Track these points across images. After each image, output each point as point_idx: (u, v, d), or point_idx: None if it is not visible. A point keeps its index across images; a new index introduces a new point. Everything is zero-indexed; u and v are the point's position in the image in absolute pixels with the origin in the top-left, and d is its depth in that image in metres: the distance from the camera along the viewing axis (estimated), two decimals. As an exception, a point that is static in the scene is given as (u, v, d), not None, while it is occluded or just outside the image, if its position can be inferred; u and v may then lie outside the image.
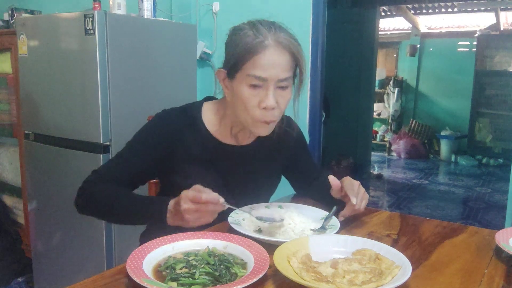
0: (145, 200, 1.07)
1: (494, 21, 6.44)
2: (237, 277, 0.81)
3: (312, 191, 1.34)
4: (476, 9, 6.37)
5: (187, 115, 1.16)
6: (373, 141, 6.49)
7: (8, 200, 2.87)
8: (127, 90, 2.04)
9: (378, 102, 7.04)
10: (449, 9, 6.45)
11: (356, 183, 1.14)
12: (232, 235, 0.96)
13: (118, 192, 1.09)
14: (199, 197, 0.91)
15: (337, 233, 1.03)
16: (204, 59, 2.67)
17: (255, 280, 0.77)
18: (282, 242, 0.90)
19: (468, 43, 6.68)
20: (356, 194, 1.10)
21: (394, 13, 6.77)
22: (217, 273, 0.81)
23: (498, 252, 0.97)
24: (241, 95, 1.06)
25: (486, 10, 6.39)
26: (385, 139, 6.89)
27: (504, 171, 5.77)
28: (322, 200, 1.27)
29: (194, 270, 0.81)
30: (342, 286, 0.76)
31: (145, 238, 1.23)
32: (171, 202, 0.98)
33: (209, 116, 1.18)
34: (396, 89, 6.94)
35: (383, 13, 6.67)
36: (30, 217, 2.39)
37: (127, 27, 2.05)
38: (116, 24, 1.96)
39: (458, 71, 6.67)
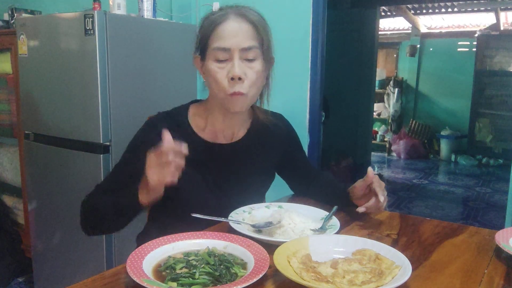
0: (122, 191, 1.08)
1: (494, 21, 6.44)
2: (237, 277, 0.81)
3: (313, 191, 1.33)
4: (476, 9, 6.37)
5: (173, 119, 1.16)
6: (373, 141, 6.48)
7: (8, 200, 2.87)
8: (127, 90, 2.05)
9: (378, 102, 7.03)
10: (449, 9, 6.45)
11: (383, 184, 1.16)
12: (232, 235, 0.96)
13: (104, 198, 1.11)
14: (161, 149, 0.90)
15: (337, 233, 1.03)
16: (204, 59, 2.66)
17: (255, 280, 0.77)
18: (282, 242, 0.90)
19: (468, 43, 6.68)
20: (383, 193, 1.12)
21: (394, 13, 6.77)
22: (217, 273, 0.81)
23: (498, 252, 0.97)
24: (210, 71, 1.08)
25: (486, 10, 6.39)
26: (385, 139, 6.89)
27: (504, 171, 5.77)
28: (324, 200, 1.27)
29: (194, 270, 0.81)
30: (342, 286, 0.76)
31: (141, 239, 1.23)
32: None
33: (195, 118, 1.18)
34: (396, 89, 6.94)
35: (383, 13, 6.66)
36: (30, 217, 2.39)
37: (127, 27, 2.05)
38: (116, 24, 1.96)
39: (458, 71, 6.67)
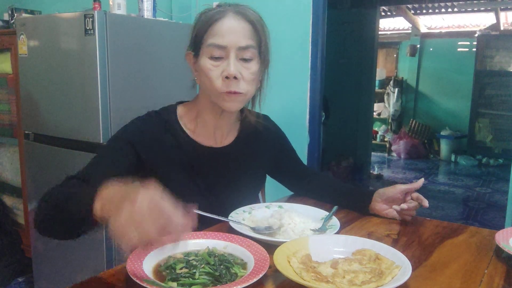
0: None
1: (494, 21, 6.44)
2: (237, 277, 0.80)
3: (313, 191, 1.33)
4: (476, 9, 6.37)
5: (163, 120, 1.12)
6: (373, 141, 6.48)
7: (8, 200, 2.87)
8: (127, 90, 2.04)
9: (378, 102, 7.03)
10: (449, 9, 6.45)
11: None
12: (232, 235, 0.96)
13: (63, 188, 0.98)
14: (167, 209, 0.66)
15: (337, 233, 1.02)
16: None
17: (255, 280, 0.77)
18: (282, 242, 0.90)
19: (468, 43, 6.68)
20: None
21: (394, 13, 6.77)
22: (217, 273, 0.80)
23: (498, 252, 0.97)
24: (204, 68, 1.04)
25: (486, 10, 6.39)
26: (385, 139, 6.89)
27: (504, 171, 5.77)
28: (326, 200, 1.28)
29: (194, 270, 0.81)
30: (342, 286, 0.76)
31: None
32: (117, 188, 0.72)
33: (184, 119, 1.14)
34: (396, 89, 6.94)
35: (383, 13, 6.66)
36: (30, 217, 2.39)
37: (127, 27, 2.05)
38: (116, 24, 1.96)
39: (458, 71, 6.67)
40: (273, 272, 0.83)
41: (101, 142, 1.96)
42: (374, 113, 6.43)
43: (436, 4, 6.16)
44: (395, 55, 7.44)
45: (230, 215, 1.09)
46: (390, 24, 7.50)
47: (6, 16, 2.81)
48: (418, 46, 6.98)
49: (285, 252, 0.86)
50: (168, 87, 2.26)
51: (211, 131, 1.14)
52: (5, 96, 2.73)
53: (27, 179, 2.41)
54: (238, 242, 0.93)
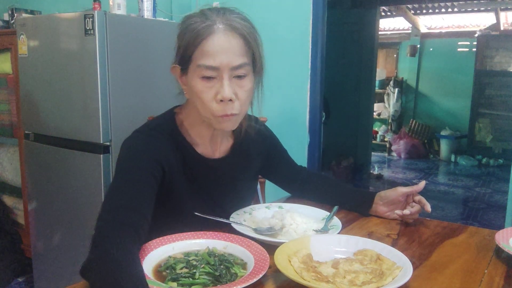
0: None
1: (494, 21, 6.44)
2: (237, 277, 0.81)
3: (311, 191, 1.32)
4: (476, 9, 6.37)
5: (166, 132, 1.04)
6: (373, 141, 6.48)
7: (8, 200, 2.87)
8: (127, 90, 2.04)
9: (378, 102, 7.03)
10: (449, 9, 6.45)
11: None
12: (232, 235, 0.96)
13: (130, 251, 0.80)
14: None
15: (338, 233, 1.02)
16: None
17: (255, 280, 0.77)
18: (283, 243, 0.90)
19: (468, 43, 6.68)
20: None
21: (394, 13, 6.77)
22: (217, 273, 0.81)
23: (498, 252, 0.97)
24: (195, 89, 0.97)
25: (486, 10, 6.39)
26: (385, 139, 6.89)
27: (504, 171, 5.77)
28: (325, 200, 1.27)
29: (194, 270, 0.81)
30: (342, 286, 0.76)
31: None
32: None
33: (182, 128, 1.08)
34: (396, 89, 6.94)
35: (383, 13, 6.66)
36: (30, 217, 2.39)
37: (127, 27, 2.05)
38: (116, 24, 1.96)
39: (458, 71, 6.67)
40: (273, 272, 0.83)
41: (101, 142, 1.96)
42: (374, 113, 6.43)
43: (436, 4, 6.16)
44: (395, 55, 7.44)
45: (231, 216, 1.09)
46: (390, 24, 7.50)
47: (6, 16, 2.81)
48: (418, 46, 6.98)
49: (286, 251, 0.86)
50: (168, 87, 2.25)
51: (206, 141, 1.10)
52: (5, 96, 2.73)
53: (27, 179, 2.41)
54: (238, 242, 0.93)
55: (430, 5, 6.19)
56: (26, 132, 2.29)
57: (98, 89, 1.92)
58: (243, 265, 0.85)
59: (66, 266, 2.21)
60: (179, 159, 1.04)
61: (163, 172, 0.99)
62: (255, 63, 1.01)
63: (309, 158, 2.44)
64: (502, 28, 6.41)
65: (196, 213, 1.04)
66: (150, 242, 0.90)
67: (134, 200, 0.89)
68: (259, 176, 1.31)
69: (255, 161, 1.22)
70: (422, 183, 1.17)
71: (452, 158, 6.39)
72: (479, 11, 6.47)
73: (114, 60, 1.96)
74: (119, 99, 2.00)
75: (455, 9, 6.41)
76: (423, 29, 7.08)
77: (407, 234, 1.10)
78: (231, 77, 0.96)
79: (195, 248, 0.91)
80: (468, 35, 6.71)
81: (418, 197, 1.17)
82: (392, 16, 6.94)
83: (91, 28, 1.88)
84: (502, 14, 6.33)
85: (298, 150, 2.42)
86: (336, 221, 1.09)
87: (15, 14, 2.69)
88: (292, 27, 2.39)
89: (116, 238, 0.79)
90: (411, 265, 0.82)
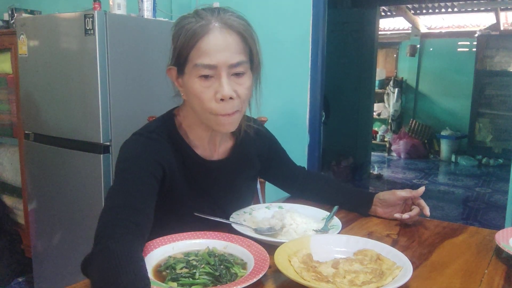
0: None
1: (494, 21, 6.44)
2: (237, 277, 0.81)
3: (310, 191, 1.32)
4: (476, 9, 6.37)
5: (166, 134, 1.04)
6: (373, 141, 6.48)
7: (8, 200, 2.87)
8: (127, 90, 2.04)
9: (378, 102, 7.03)
10: (449, 9, 6.45)
11: None
12: (232, 235, 0.96)
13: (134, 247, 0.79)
14: None
15: (338, 233, 1.02)
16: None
17: (255, 280, 0.77)
18: (283, 243, 0.90)
19: (468, 43, 6.68)
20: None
21: (394, 13, 6.77)
22: (217, 273, 0.81)
23: (498, 252, 0.97)
24: (193, 90, 0.95)
25: (486, 10, 6.39)
26: (385, 139, 6.89)
27: (504, 171, 5.77)
28: (325, 201, 1.27)
29: (194, 270, 0.81)
30: (342, 286, 0.76)
31: None
32: None
33: (181, 130, 1.07)
34: (396, 89, 6.94)
35: (383, 13, 6.66)
36: (30, 217, 2.39)
37: (127, 27, 2.05)
38: (116, 24, 1.96)
39: (458, 71, 6.67)
40: (273, 272, 0.83)
41: (101, 142, 1.96)
42: (374, 113, 6.43)
43: (436, 4, 6.16)
44: (395, 55, 7.44)
45: (231, 216, 1.09)
46: (390, 24, 7.50)
47: (6, 16, 2.81)
48: (418, 46, 6.98)
49: (286, 251, 0.86)
50: (168, 87, 2.25)
51: (205, 143, 1.09)
52: (5, 96, 2.73)
53: (27, 179, 2.41)
54: (238, 242, 0.93)
55: (430, 5, 6.19)
56: (26, 132, 2.29)
57: (98, 89, 1.92)
58: (243, 265, 0.85)
59: (66, 266, 2.21)
60: (179, 160, 1.04)
61: (163, 173, 0.99)
62: (253, 60, 1.00)
63: (309, 158, 2.44)
64: (502, 28, 6.41)
65: (196, 214, 1.04)
66: (150, 242, 0.90)
67: (136, 199, 0.88)
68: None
69: (254, 161, 1.22)
70: (422, 189, 1.17)
71: (452, 158, 6.39)
72: (479, 11, 6.47)
73: (114, 60, 1.96)
74: (119, 99, 2.00)
75: (455, 9, 6.41)
76: (423, 29, 7.08)
77: (407, 234, 1.10)
78: (229, 75, 0.95)
79: (195, 248, 0.91)
80: (468, 35, 6.71)
81: (418, 200, 1.17)
82: (392, 16, 6.94)
83: (91, 28, 1.88)
84: (502, 14, 6.33)
85: (298, 150, 2.42)
86: (336, 221, 1.09)
87: (15, 14, 2.69)
88: (292, 27, 2.39)
89: (117, 235, 0.78)
90: (411, 265, 0.82)
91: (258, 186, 1.53)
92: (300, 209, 1.17)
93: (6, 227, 2.76)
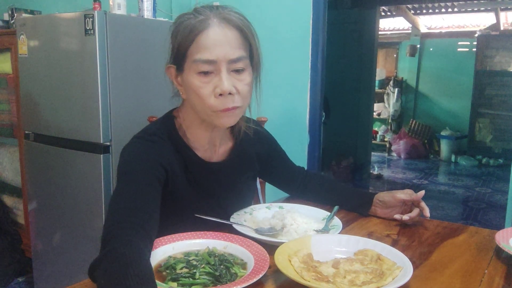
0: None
1: (494, 21, 6.44)
2: (237, 277, 0.81)
3: (310, 192, 1.32)
4: (476, 9, 6.37)
5: (166, 136, 1.03)
6: (373, 141, 6.48)
7: (8, 200, 2.87)
8: (127, 90, 2.04)
9: (378, 102, 7.03)
10: (449, 9, 6.45)
11: None
12: (232, 235, 0.96)
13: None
14: None
15: (339, 233, 1.02)
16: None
17: (255, 280, 0.77)
18: (284, 243, 0.90)
19: (468, 43, 6.68)
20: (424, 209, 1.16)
21: (394, 13, 6.77)
22: (217, 273, 0.81)
23: (498, 252, 0.97)
24: (192, 86, 0.94)
25: (486, 10, 6.39)
26: (385, 139, 6.89)
27: (504, 171, 5.77)
28: (325, 201, 1.27)
29: (194, 270, 0.81)
30: (342, 286, 0.76)
31: None
32: None
33: (180, 131, 1.06)
34: (396, 89, 6.94)
35: (383, 13, 6.66)
36: (30, 217, 2.39)
37: (127, 27, 2.05)
38: (116, 24, 1.96)
39: (458, 71, 6.67)
40: (273, 272, 0.83)
41: (101, 142, 1.96)
42: (374, 113, 6.43)
43: (436, 4, 6.16)
44: (395, 55, 7.44)
45: (232, 216, 1.09)
46: (390, 24, 7.50)
47: (6, 16, 2.81)
48: (418, 46, 6.99)
49: (287, 251, 0.86)
50: (168, 87, 2.25)
51: (205, 144, 1.08)
52: (5, 96, 2.73)
53: (27, 179, 2.41)
54: (238, 242, 0.93)
55: (430, 5, 6.19)
56: (26, 132, 2.29)
57: (98, 89, 1.92)
58: (243, 265, 0.85)
59: (66, 266, 2.21)
60: (181, 162, 1.04)
61: (166, 175, 0.99)
62: (253, 56, 0.99)
63: (309, 158, 2.44)
64: (502, 28, 6.41)
65: (196, 215, 1.03)
66: (150, 242, 0.90)
67: (142, 202, 0.87)
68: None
69: (254, 162, 1.22)
70: (421, 193, 1.17)
71: (452, 158, 6.39)
72: (479, 11, 6.47)
73: (114, 60, 1.96)
74: (119, 99, 2.00)
75: (455, 9, 6.41)
76: (423, 29, 7.09)
77: (407, 234, 1.10)
78: (229, 70, 0.94)
79: (195, 248, 0.91)
80: (468, 35, 6.71)
81: (421, 204, 1.17)
82: (392, 16, 6.94)
83: (91, 28, 1.88)
84: (502, 14, 6.33)
85: (298, 150, 2.42)
86: (337, 221, 1.09)
87: (15, 14, 2.69)
88: (292, 27, 2.39)
89: (125, 237, 0.78)
90: (411, 265, 0.82)
91: (258, 186, 1.53)
92: (301, 209, 1.17)
93: (6, 227, 2.76)
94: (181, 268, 0.82)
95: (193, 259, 0.86)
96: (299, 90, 2.41)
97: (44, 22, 2.13)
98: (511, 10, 6.29)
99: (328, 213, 1.13)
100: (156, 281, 0.77)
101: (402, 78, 7.17)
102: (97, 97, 1.92)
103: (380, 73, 6.98)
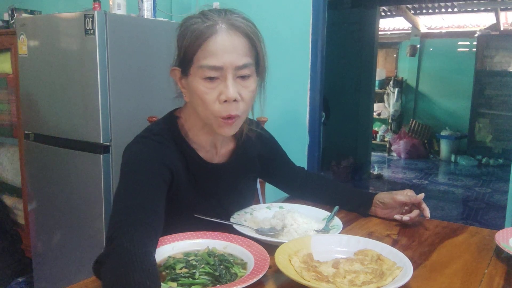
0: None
1: (494, 21, 6.44)
2: (237, 277, 0.80)
3: (310, 192, 1.32)
4: (476, 9, 6.37)
5: (170, 137, 1.03)
6: (373, 141, 6.48)
7: (8, 200, 2.87)
8: (127, 90, 2.04)
9: (378, 102, 7.04)
10: (449, 9, 6.45)
11: None
12: (232, 235, 0.96)
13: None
14: None
15: (339, 233, 1.02)
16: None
17: (255, 280, 0.77)
18: (284, 243, 0.90)
19: (468, 43, 6.68)
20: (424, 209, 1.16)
21: (394, 13, 6.77)
22: (217, 273, 0.80)
23: (498, 252, 0.97)
24: (197, 91, 0.94)
25: (486, 10, 6.39)
26: (385, 139, 6.90)
27: (504, 171, 5.77)
28: (325, 201, 1.27)
29: (194, 270, 0.81)
30: (342, 286, 0.76)
31: None
32: None
33: (182, 131, 1.06)
34: (396, 89, 6.94)
35: (383, 13, 6.66)
36: (30, 217, 2.39)
37: (127, 27, 2.05)
38: (116, 24, 1.96)
39: (458, 71, 6.67)
40: (273, 272, 0.83)
41: (101, 142, 1.96)
42: (374, 113, 6.44)
43: (436, 4, 6.16)
44: (395, 55, 7.44)
45: (232, 216, 1.09)
46: (390, 24, 7.50)
47: (6, 16, 2.81)
48: (418, 46, 6.99)
49: (287, 251, 0.86)
50: (168, 87, 2.25)
51: (207, 145, 1.08)
52: (5, 96, 2.73)
53: (27, 179, 2.41)
54: (238, 242, 0.93)
55: (430, 5, 6.19)
56: (26, 132, 2.29)
57: (98, 89, 1.92)
58: (243, 265, 0.85)
59: (66, 266, 2.21)
60: (184, 163, 1.04)
61: (171, 176, 0.99)
62: (259, 63, 0.99)
63: (309, 158, 2.44)
64: (502, 28, 6.41)
65: (196, 215, 1.03)
66: (150, 242, 0.90)
67: (147, 200, 0.87)
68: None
69: (255, 163, 1.22)
70: (421, 195, 1.17)
71: (452, 158, 6.40)
72: (479, 11, 6.47)
73: (114, 60, 1.96)
74: (119, 99, 2.00)
75: (455, 9, 6.41)
76: (423, 29, 7.09)
77: (407, 234, 1.10)
78: (234, 77, 0.94)
79: (195, 248, 0.91)
80: (468, 35, 6.71)
81: (422, 205, 1.17)
82: (392, 16, 6.94)
83: (91, 28, 1.88)
84: (502, 14, 6.33)
85: (298, 150, 2.42)
86: (337, 221, 1.09)
87: (15, 14, 2.69)
88: (292, 27, 2.39)
89: (130, 233, 0.78)
90: (411, 265, 0.82)
91: (258, 186, 1.53)
92: (301, 209, 1.17)
93: (6, 227, 2.76)
94: (181, 268, 0.82)
95: (192, 259, 0.86)
96: (299, 90, 2.41)
97: (44, 22, 2.13)
98: (511, 10, 6.29)
99: (328, 213, 1.13)
100: (156, 281, 0.77)
101: (402, 78, 7.17)
102: (97, 97, 1.92)
103: (380, 73, 6.98)
